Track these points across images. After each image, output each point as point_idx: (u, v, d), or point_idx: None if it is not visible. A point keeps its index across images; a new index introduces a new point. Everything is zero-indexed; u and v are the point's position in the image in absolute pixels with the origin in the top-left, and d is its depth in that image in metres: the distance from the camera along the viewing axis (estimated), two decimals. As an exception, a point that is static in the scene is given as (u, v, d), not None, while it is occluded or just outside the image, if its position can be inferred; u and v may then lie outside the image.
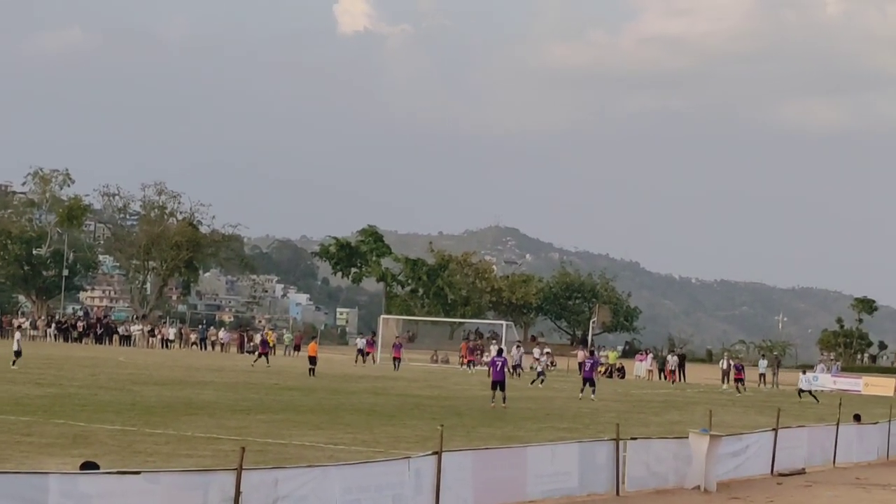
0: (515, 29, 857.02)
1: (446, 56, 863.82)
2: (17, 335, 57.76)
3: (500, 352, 47.67)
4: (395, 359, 74.31)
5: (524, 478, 20.18)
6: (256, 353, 70.80)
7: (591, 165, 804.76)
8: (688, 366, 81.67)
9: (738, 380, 66.66)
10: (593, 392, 50.17)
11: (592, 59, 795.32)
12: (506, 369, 44.57)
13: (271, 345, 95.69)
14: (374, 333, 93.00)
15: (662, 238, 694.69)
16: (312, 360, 59.55)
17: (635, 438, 24.15)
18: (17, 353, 52.25)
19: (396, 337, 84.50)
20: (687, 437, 24.40)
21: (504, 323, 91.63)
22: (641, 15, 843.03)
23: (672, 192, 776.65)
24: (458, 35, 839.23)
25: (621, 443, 22.59)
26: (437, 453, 18.53)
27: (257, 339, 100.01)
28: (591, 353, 54.75)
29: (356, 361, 78.40)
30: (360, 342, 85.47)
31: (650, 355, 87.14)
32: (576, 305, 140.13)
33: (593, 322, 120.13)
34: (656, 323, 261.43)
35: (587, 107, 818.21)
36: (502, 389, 43.10)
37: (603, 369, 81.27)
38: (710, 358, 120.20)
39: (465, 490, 18.85)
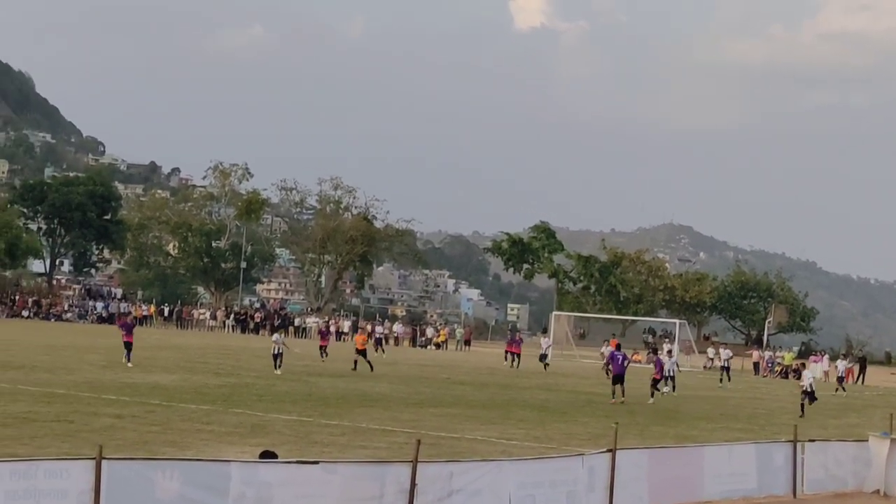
0: (692, 25, 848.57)
1: (621, 52, 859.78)
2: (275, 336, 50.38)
3: (617, 346, 45.67)
4: (514, 354, 66.14)
5: (701, 478, 19.92)
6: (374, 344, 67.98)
7: (767, 162, 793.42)
8: (866, 368, 79.58)
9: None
10: (623, 392, 41.79)
11: (770, 55, 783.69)
12: (626, 365, 42.74)
13: (443, 340, 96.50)
14: (546, 330, 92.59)
15: (840, 237, 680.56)
16: (362, 353, 51.91)
17: (813, 440, 23.66)
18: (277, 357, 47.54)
19: (518, 332, 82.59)
20: (866, 441, 23.82)
21: (677, 321, 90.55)
22: (822, 11, 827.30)
23: (849, 191, 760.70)
24: (633, 31, 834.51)
25: (799, 444, 22.17)
26: (612, 451, 18.41)
27: (429, 332, 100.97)
28: (618, 346, 46.00)
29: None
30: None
31: (826, 357, 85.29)
32: (751, 305, 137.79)
33: (769, 322, 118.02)
34: (833, 324, 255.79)
35: (763, 103, 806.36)
36: (622, 384, 41.74)
37: (779, 370, 79.87)
38: (888, 361, 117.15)
39: (640, 488, 18.68)
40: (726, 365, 64.57)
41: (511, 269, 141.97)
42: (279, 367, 46.67)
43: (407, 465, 15.66)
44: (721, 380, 60.80)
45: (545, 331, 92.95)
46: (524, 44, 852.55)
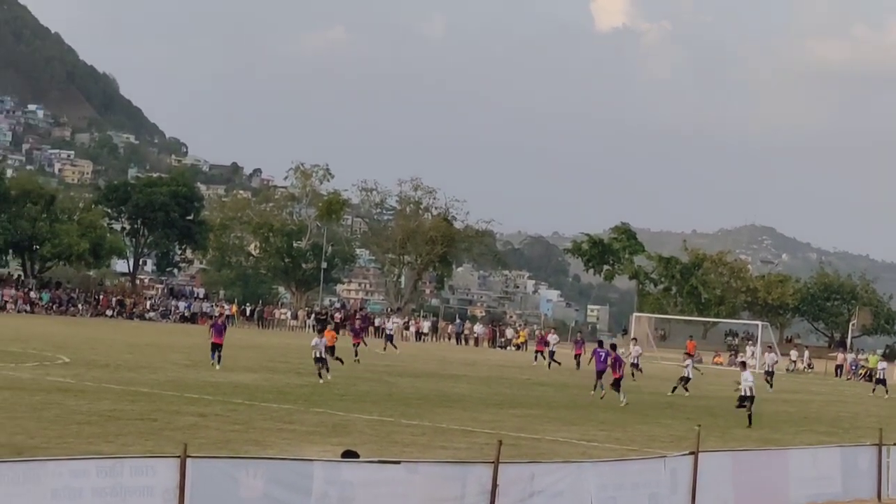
0: (775, 25, 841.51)
1: (704, 53, 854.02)
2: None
3: (612, 346, 44.80)
4: (578, 356, 63.09)
5: (785, 481, 19.72)
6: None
7: (851, 163, 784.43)
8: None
9: None
10: (619, 392, 40.59)
11: (854, 55, 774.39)
12: (609, 361, 42.04)
13: (522, 341, 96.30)
14: (626, 331, 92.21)
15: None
16: (331, 350, 45.30)
17: (899, 444, 23.32)
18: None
19: (580, 333, 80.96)
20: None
21: (759, 323, 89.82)
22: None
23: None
24: (716, 31, 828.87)
25: (884, 448, 21.88)
26: (694, 453, 18.27)
27: (509, 333, 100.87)
28: (613, 346, 44.66)
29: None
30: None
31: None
32: (834, 307, 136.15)
33: (853, 324, 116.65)
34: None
35: (848, 103, 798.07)
36: (601, 378, 42.34)
37: (863, 372, 78.91)
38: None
39: (725, 491, 18.52)
40: (771, 370, 58.91)
41: (591, 271, 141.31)
42: (324, 372, 40.83)
43: (488, 465, 15.64)
44: (771, 385, 55.86)
45: (625, 332, 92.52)
46: (605, 45, 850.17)
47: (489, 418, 31.25)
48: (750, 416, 34.57)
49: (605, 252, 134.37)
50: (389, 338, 71.98)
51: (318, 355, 41.32)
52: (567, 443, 26.74)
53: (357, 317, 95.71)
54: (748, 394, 35.19)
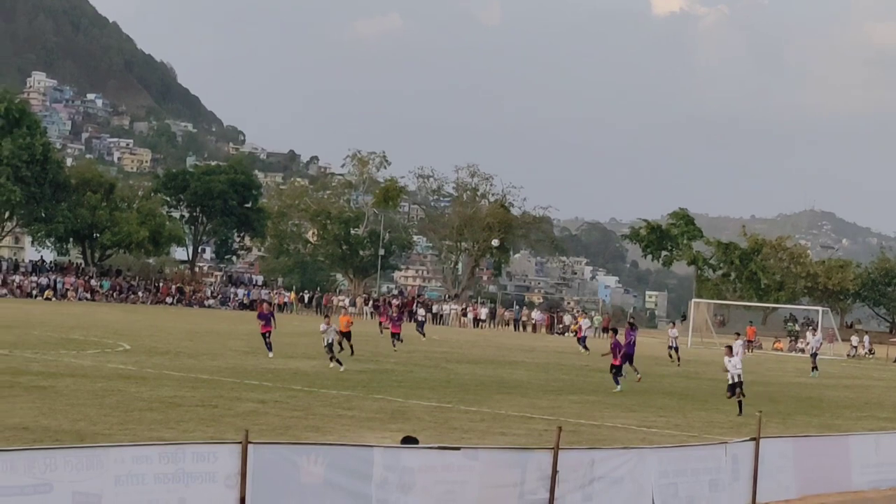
0: (834, 9, 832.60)
1: (761, 36, 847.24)
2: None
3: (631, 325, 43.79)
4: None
5: (847, 467, 19.56)
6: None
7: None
8: None
9: None
10: (636, 371, 40.99)
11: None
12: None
13: (578, 327, 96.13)
14: (685, 317, 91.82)
15: None
16: (346, 335, 45.75)
17: (965, 430, 23.10)
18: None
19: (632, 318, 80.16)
20: None
21: (820, 309, 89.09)
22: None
23: None
24: (774, 15, 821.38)
25: (948, 434, 21.67)
26: (755, 439, 18.14)
27: (566, 320, 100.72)
28: (632, 325, 42.67)
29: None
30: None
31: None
32: (895, 292, 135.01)
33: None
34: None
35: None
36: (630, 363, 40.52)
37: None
38: None
39: (786, 477, 18.39)
40: (815, 352, 57.41)
41: (649, 257, 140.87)
42: (334, 359, 38.87)
43: (548, 451, 15.60)
44: (814, 368, 55.22)
45: (684, 318, 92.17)
46: (662, 29, 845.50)
47: (548, 404, 31.20)
48: (740, 404, 32.31)
49: (664, 238, 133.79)
50: (420, 324, 71.28)
51: (329, 341, 39.50)
52: (626, 429, 26.65)
53: (395, 304, 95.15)
54: (736, 380, 33.14)
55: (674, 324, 68.05)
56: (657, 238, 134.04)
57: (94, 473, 12.21)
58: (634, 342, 42.15)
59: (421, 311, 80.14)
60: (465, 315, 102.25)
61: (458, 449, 15.55)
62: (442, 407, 28.80)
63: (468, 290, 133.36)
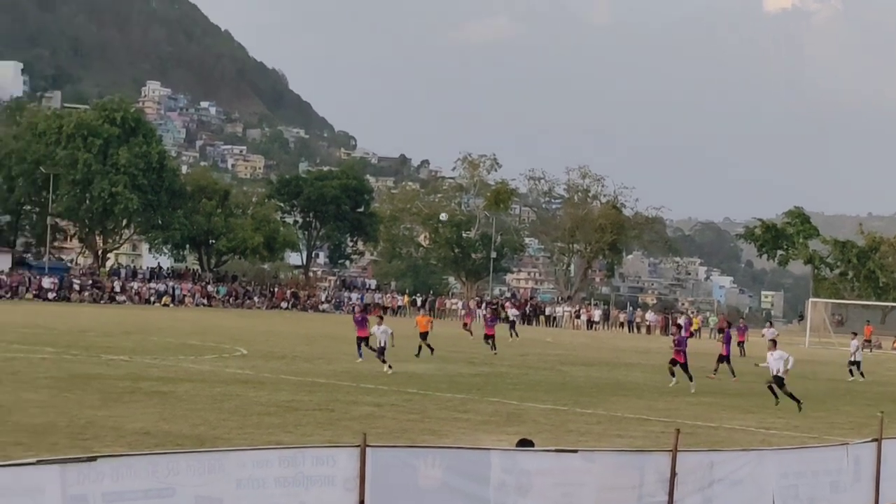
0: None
1: (876, 31, 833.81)
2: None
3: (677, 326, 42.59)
4: (739, 343, 60.13)
5: (975, 469, 19.11)
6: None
7: None
8: None
9: None
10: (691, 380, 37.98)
11: None
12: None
13: (696, 328, 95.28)
14: (802, 317, 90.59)
15: None
16: (424, 335, 47.12)
17: None
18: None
19: (742, 320, 78.94)
20: None
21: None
22: None
23: None
24: (888, 9, 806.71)
25: None
26: (877, 440, 17.82)
27: (681, 321, 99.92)
28: (679, 326, 40.10)
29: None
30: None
31: None
32: None
33: None
34: None
35: None
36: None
37: None
38: None
39: (911, 480, 18.03)
40: (854, 359, 49.66)
41: (765, 256, 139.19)
42: (384, 360, 38.43)
43: (666, 454, 15.47)
44: (851, 372, 49.03)
45: (801, 318, 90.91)
46: (774, 26, 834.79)
47: (664, 406, 31.01)
48: (791, 396, 31.85)
49: (779, 237, 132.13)
50: (512, 324, 69.57)
51: (382, 344, 38.92)
52: (744, 430, 26.39)
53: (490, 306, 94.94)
54: (779, 374, 32.37)
55: (770, 324, 66.92)
56: (772, 237, 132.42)
57: (216, 477, 12.35)
58: (730, 339, 43.21)
59: (513, 312, 79.40)
60: (578, 317, 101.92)
61: (575, 451, 15.49)
62: (557, 409, 28.75)
63: (581, 292, 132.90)
